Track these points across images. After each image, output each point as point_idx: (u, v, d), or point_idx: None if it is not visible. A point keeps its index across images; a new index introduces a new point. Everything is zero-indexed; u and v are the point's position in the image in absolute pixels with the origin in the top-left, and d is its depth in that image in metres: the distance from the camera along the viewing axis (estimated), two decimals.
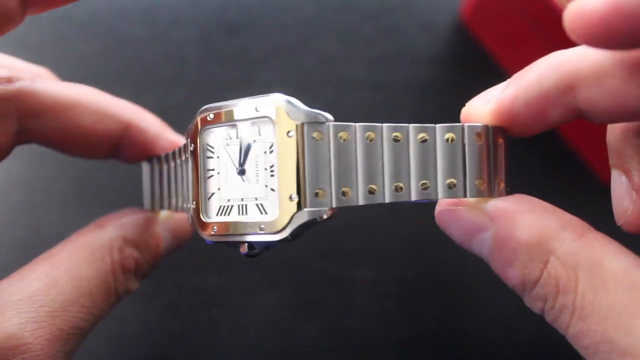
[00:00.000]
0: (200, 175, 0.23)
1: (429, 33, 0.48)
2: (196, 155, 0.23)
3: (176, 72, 0.46)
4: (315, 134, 0.20)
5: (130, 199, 0.42)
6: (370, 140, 0.20)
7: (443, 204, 0.21)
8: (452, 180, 0.20)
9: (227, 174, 0.23)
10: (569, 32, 0.17)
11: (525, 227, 0.19)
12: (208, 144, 0.23)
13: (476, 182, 0.20)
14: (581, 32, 0.17)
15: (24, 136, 0.25)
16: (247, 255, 0.22)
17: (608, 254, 0.18)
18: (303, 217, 0.20)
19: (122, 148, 0.28)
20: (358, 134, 0.20)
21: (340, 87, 0.45)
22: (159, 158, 0.28)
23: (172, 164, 0.27)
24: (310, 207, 0.20)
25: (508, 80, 0.21)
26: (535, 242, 0.18)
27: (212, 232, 0.23)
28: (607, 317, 0.17)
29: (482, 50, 0.47)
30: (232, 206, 0.22)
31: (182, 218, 0.29)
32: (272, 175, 0.21)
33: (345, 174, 0.20)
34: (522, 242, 0.19)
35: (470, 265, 0.41)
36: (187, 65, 0.46)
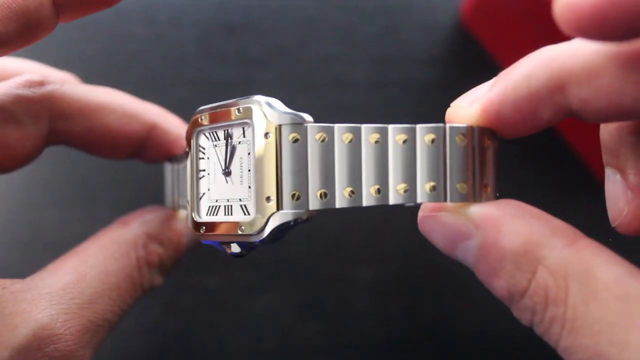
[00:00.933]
0: (193, 176, 0.24)
1: (429, 33, 0.48)
2: (190, 156, 0.24)
3: (176, 72, 0.46)
4: (292, 136, 0.20)
5: (130, 199, 0.42)
6: (349, 142, 0.20)
7: (426, 209, 0.20)
8: (433, 183, 0.19)
9: (216, 175, 0.23)
10: (560, 23, 0.15)
11: (511, 234, 0.17)
12: (200, 145, 0.24)
13: (458, 185, 0.19)
14: (573, 23, 0.15)
15: (54, 137, 0.26)
16: (234, 255, 0.22)
17: (600, 263, 0.16)
18: (280, 218, 0.20)
19: (146, 149, 0.29)
20: (336, 135, 0.20)
21: (340, 87, 0.45)
22: (177, 157, 0.29)
23: (183, 164, 0.27)
24: (287, 209, 0.20)
25: (494, 78, 0.20)
26: (523, 250, 0.17)
27: (201, 232, 0.23)
28: (600, 330, 0.15)
29: (482, 50, 0.47)
30: (219, 206, 0.23)
31: None
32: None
33: (322, 176, 0.20)
34: (509, 250, 0.17)
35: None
36: (187, 65, 0.46)
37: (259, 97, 0.21)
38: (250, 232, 0.21)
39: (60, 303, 0.22)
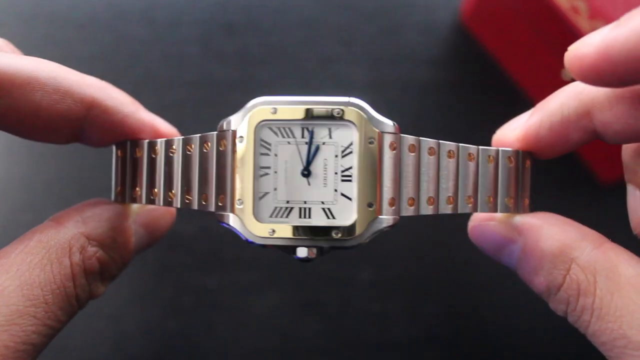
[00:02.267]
0: (249, 173, 0.22)
1: (429, 33, 0.48)
2: (245, 150, 0.22)
3: (176, 72, 0.46)
4: (392, 144, 0.21)
5: None
6: (430, 155, 0.22)
7: (475, 219, 0.24)
8: (490, 197, 0.23)
9: (287, 174, 0.22)
10: (569, 71, 0.20)
11: (549, 239, 0.21)
12: (263, 140, 0.22)
13: (506, 199, 0.23)
14: (577, 73, 0.20)
15: None
16: (304, 260, 0.21)
17: (622, 262, 0.20)
18: (378, 224, 0.21)
19: (86, 131, 0.24)
20: (422, 147, 0.22)
21: (340, 87, 0.45)
22: (133, 142, 0.25)
23: (161, 152, 0.24)
24: (385, 215, 0.21)
25: (532, 109, 0.24)
26: (559, 251, 0.21)
27: (269, 235, 0.21)
28: (623, 316, 0.19)
29: (482, 50, 0.47)
30: (291, 208, 0.22)
31: (156, 210, 0.26)
32: (344, 180, 0.21)
33: (413, 185, 0.22)
34: (547, 252, 0.21)
35: (471, 266, 0.41)
36: (187, 65, 0.46)
37: (358, 101, 0.22)
38: (348, 236, 0.21)
39: None
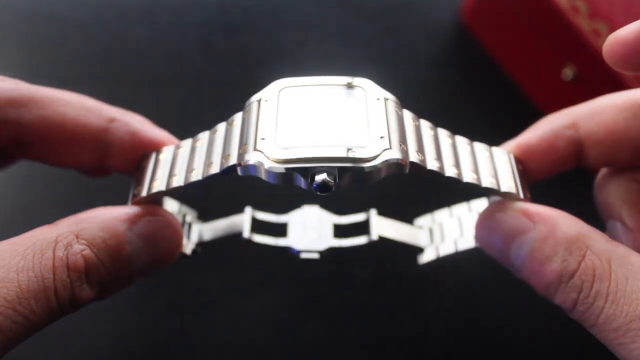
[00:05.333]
0: (273, 117, 0.23)
1: (429, 33, 0.48)
2: (270, 105, 0.24)
3: (176, 72, 0.46)
4: (395, 107, 0.23)
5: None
6: (431, 130, 0.24)
7: (480, 221, 0.25)
8: (491, 176, 0.24)
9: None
10: (609, 61, 0.22)
11: (565, 227, 0.22)
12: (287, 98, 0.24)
13: (508, 182, 0.24)
14: (619, 55, 0.22)
15: (3, 135, 0.24)
16: (317, 188, 0.20)
17: (633, 254, 0.21)
18: (392, 154, 0.21)
19: (109, 146, 0.25)
20: (421, 123, 0.24)
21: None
22: (158, 151, 0.26)
23: (187, 145, 0.25)
24: (396, 150, 0.21)
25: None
26: (575, 238, 0.21)
27: (289, 157, 0.21)
28: (639, 298, 0.20)
29: (482, 50, 0.47)
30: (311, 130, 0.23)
31: (160, 222, 0.24)
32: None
33: (414, 143, 0.22)
34: (563, 238, 0.21)
35: (471, 266, 0.41)
36: (187, 65, 0.46)
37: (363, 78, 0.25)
38: (362, 157, 0.21)
39: None
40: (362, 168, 0.21)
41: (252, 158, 0.21)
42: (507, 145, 0.26)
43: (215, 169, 0.22)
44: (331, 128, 0.22)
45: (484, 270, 0.42)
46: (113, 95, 0.43)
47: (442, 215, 0.30)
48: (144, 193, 0.24)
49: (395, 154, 0.21)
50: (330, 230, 0.29)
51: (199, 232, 0.29)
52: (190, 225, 0.29)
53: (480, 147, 0.25)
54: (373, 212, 0.29)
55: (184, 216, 0.29)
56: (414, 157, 0.22)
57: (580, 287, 0.21)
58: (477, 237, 0.25)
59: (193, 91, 0.45)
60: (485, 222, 0.24)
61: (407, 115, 0.23)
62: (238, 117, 0.24)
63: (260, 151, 0.21)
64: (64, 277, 0.20)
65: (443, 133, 0.24)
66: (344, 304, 0.41)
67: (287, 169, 0.21)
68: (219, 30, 0.47)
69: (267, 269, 0.42)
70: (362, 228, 0.28)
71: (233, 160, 0.22)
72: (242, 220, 0.29)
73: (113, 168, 0.27)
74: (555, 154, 0.25)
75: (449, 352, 0.40)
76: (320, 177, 0.20)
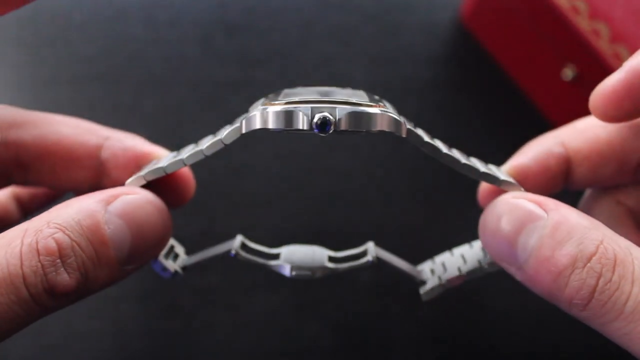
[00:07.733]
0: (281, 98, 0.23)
1: (429, 33, 0.48)
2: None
3: (176, 72, 0.46)
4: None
5: None
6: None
7: (484, 194, 0.26)
8: (489, 165, 0.24)
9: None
10: (595, 114, 0.24)
11: (580, 215, 0.21)
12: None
13: (507, 172, 0.25)
14: (605, 107, 0.24)
15: (2, 156, 0.25)
16: (320, 125, 0.21)
17: None
18: (390, 113, 0.22)
19: (104, 162, 0.26)
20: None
21: (340, 87, 0.45)
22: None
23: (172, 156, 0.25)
24: (392, 113, 0.22)
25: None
26: (591, 225, 0.20)
27: (289, 100, 0.21)
28: None
29: (482, 50, 0.47)
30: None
31: (138, 199, 0.23)
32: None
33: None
34: (578, 224, 0.20)
35: None
36: (187, 65, 0.46)
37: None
38: (364, 103, 0.22)
39: None
40: (362, 110, 0.22)
41: (256, 111, 0.21)
42: (502, 168, 0.26)
43: (218, 137, 0.22)
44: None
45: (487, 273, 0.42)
46: (113, 95, 0.43)
47: (442, 257, 0.29)
48: (131, 179, 0.23)
49: (392, 114, 0.22)
50: (325, 258, 0.29)
51: (184, 260, 0.29)
52: (176, 255, 0.29)
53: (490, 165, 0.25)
54: (371, 244, 0.29)
55: (171, 247, 0.28)
56: (408, 124, 0.23)
57: (599, 272, 0.19)
58: (482, 226, 0.23)
59: (193, 91, 0.45)
60: (493, 210, 0.22)
61: (422, 132, 0.24)
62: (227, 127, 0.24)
63: (264, 107, 0.22)
64: (33, 262, 0.19)
65: (457, 152, 0.24)
66: (344, 305, 0.41)
67: (288, 108, 0.21)
68: (219, 30, 0.47)
69: (268, 270, 0.42)
70: (359, 257, 0.28)
71: (242, 129, 0.22)
72: (231, 244, 0.27)
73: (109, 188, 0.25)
74: (549, 173, 0.26)
75: (449, 353, 0.40)
76: (320, 114, 0.21)
